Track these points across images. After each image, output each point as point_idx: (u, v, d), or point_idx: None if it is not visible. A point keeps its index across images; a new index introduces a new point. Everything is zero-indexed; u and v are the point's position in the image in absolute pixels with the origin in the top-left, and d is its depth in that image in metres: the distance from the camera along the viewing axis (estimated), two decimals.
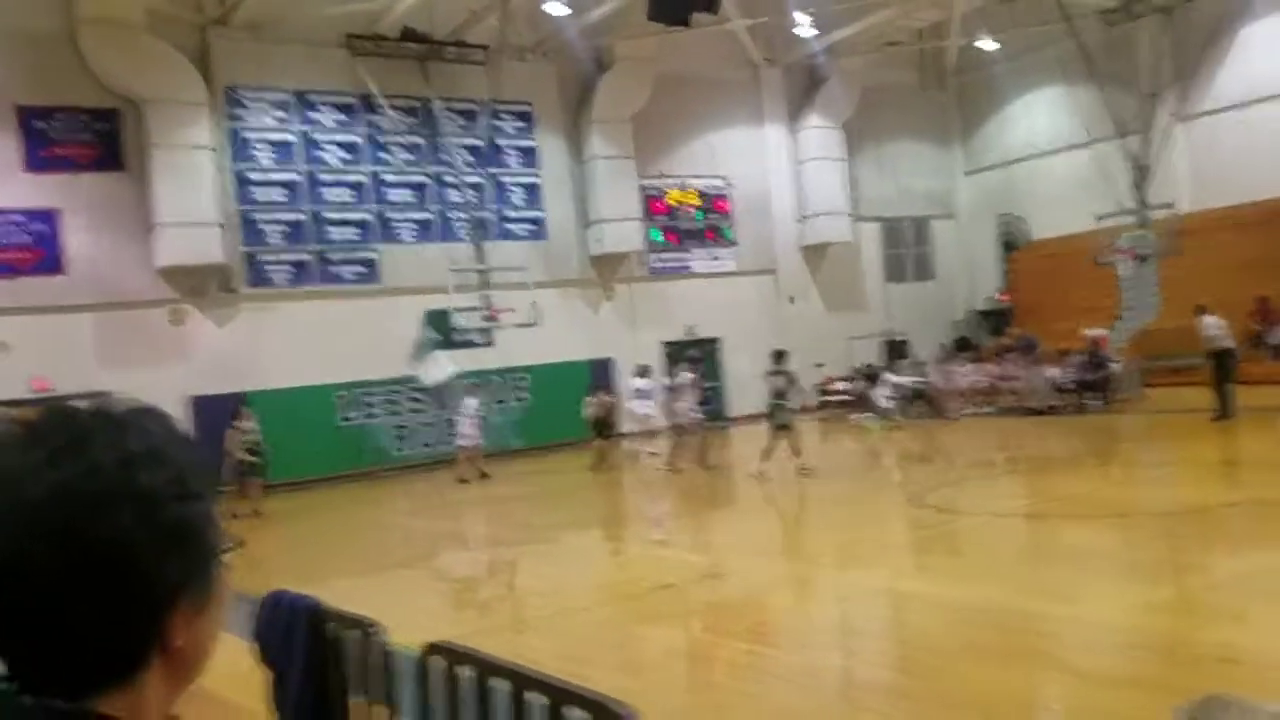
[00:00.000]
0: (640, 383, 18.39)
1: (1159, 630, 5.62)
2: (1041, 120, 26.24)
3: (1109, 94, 21.32)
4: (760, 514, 12.10)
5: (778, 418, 13.82)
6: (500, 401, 21.60)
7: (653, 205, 24.30)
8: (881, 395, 19.87)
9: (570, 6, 20.21)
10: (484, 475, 16.79)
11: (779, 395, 13.90)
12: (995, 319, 26.70)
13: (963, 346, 24.62)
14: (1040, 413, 18.15)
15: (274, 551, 12.92)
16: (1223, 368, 14.83)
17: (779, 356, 14.49)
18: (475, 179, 20.85)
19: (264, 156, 19.74)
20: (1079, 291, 23.23)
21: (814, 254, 26.33)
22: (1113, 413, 17.57)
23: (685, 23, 18.53)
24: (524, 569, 10.31)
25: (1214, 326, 15.04)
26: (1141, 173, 21.59)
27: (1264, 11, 21.82)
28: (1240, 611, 5.92)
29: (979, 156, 28.45)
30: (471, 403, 17.45)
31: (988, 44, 25.28)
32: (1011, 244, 27.16)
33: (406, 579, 9.77)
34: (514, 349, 21.18)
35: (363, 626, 4.03)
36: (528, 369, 21.38)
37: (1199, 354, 16.99)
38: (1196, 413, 15.42)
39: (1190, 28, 21.74)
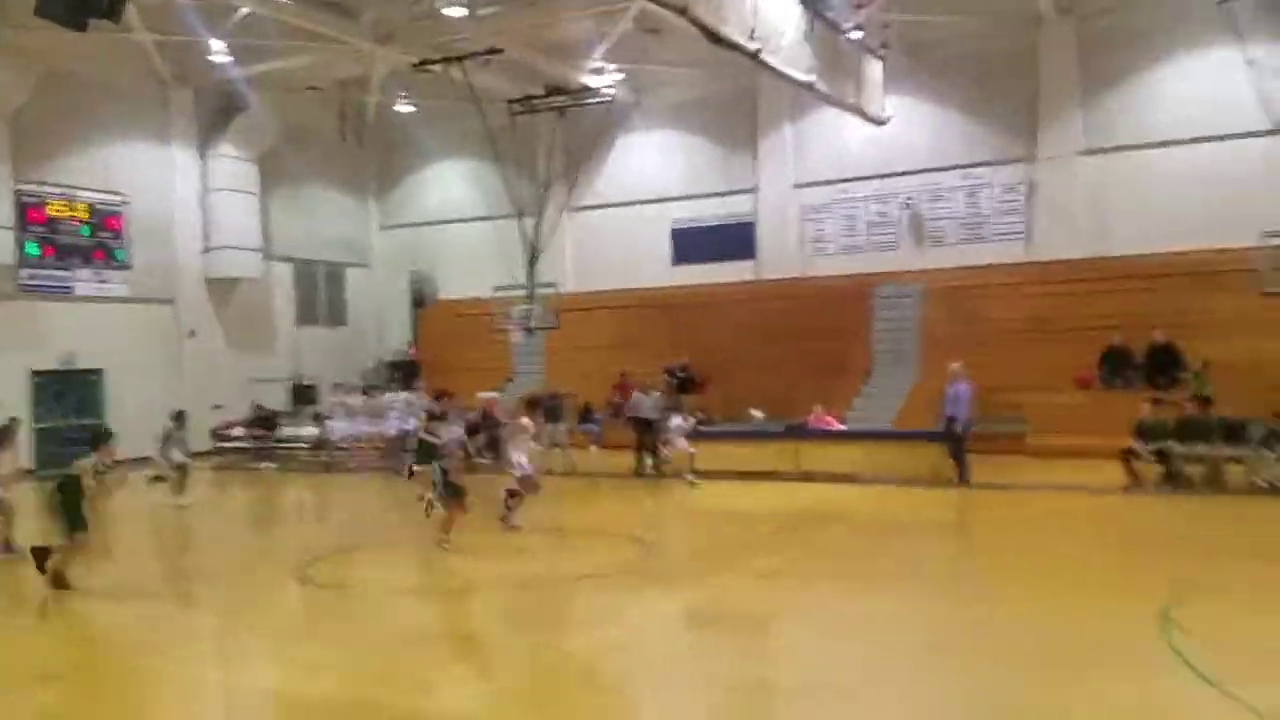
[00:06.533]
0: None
1: None
2: (453, 188, 28.03)
3: (510, 176, 23.54)
4: (121, 593, 10.85)
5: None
6: None
7: (29, 214, 21.31)
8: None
9: None
10: None
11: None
12: (404, 370, 27.64)
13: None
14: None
15: None
16: (644, 435, 17.27)
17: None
18: None
19: None
20: (479, 353, 25.10)
21: (220, 288, 25.10)
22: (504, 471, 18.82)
23: (81, 27, 16.60)
24: None
25: (643, 399, 17.61)
26: (533, 252, 24.08)
27: (639, 126, 25.84)
28: (552, 700, 6.65)
29: (394, 212, 29.48)
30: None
31: (405, 107, 26.39)
32: (421, 300, 28.44)
33: None
34: None
35: None
36: None
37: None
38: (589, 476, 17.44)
39: (581, 131, 24.95)
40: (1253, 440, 13.92)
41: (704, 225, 25.17)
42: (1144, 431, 14.53)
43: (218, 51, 21.69)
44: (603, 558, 10.83)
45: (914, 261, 22.89)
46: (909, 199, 23.17)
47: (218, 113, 24.77)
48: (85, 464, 9.74)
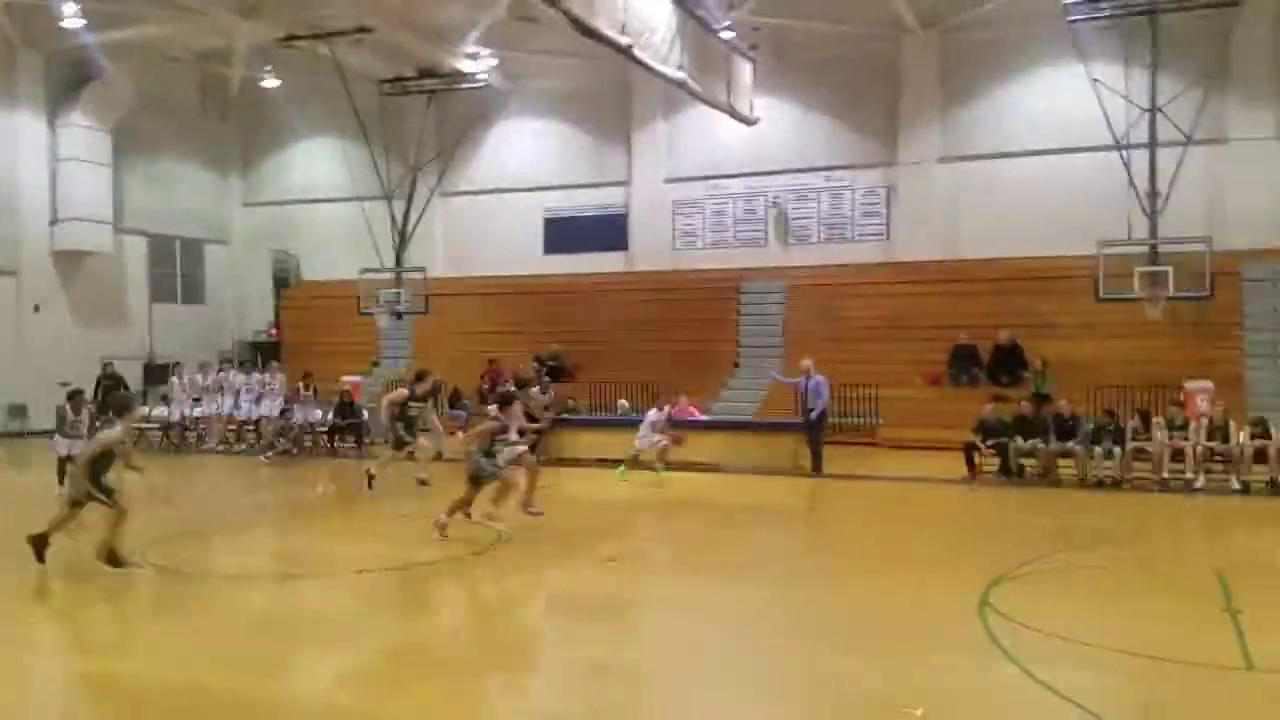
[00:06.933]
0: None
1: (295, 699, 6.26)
2: (320, 167, 27.34)
3: (380, 158, 23.13)
4: None
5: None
6: None
7: None
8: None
9: None
10: None
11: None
12: (264, 351, 26.87)
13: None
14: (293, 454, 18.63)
15: None
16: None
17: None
18: None
19: None
20: (344, 336, 24.60)
21: (67, 261, 23.98)
22: (364, 456, 18.55)
23: None
24: None
25: (532, 395, 17.40)
26: (402, 236, 23.73)
27: (514, 113, 25.74)
28: (398, 683, 6.69)
29: (257, 189, 28.58)
30: None
31: (270, 82, 25.58)
32: (284, 280, 27.66)
33: None
34: None
35: None
36: None
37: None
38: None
39: (453, 115, 24.68)
40: (1082, 437, 14.84)
41: (576, 215, 25.26)
42: (983, 428, 15.32)
43: (70, 16, 20.61)
44: (458, 542, 10.81)
45: (779, 259, 23.54)
46: (776, 198, 23.78)
47: (69, 79, 23.61)
48: (114, 434, 9.47)
